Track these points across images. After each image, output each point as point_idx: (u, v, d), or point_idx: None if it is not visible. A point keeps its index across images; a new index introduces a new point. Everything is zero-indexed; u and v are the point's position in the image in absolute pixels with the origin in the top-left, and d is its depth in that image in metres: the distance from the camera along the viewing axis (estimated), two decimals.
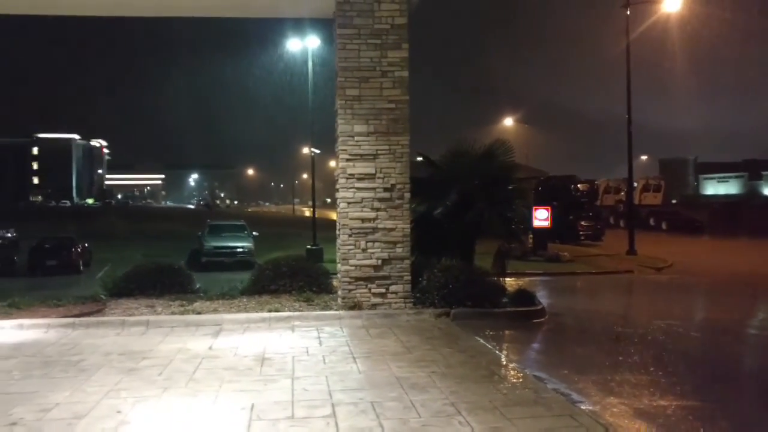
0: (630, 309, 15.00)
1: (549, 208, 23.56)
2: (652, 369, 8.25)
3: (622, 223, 40.45)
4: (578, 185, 35.11)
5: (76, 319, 10.52)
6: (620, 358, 8.99)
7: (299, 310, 11.14)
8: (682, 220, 42.72)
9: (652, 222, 43.62)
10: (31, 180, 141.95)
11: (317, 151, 30.71)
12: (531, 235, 23.20)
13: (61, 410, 6.07)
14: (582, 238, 31.91)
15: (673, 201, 52.92)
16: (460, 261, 12.11)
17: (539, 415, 5.93)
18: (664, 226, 42.90)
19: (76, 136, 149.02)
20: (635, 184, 40.49)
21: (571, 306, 14.26)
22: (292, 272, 12.99)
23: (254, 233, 25.63)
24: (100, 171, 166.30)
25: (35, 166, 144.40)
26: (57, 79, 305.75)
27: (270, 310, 11.02)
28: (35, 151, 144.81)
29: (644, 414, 6.27)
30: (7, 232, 24.29)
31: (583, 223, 32.36)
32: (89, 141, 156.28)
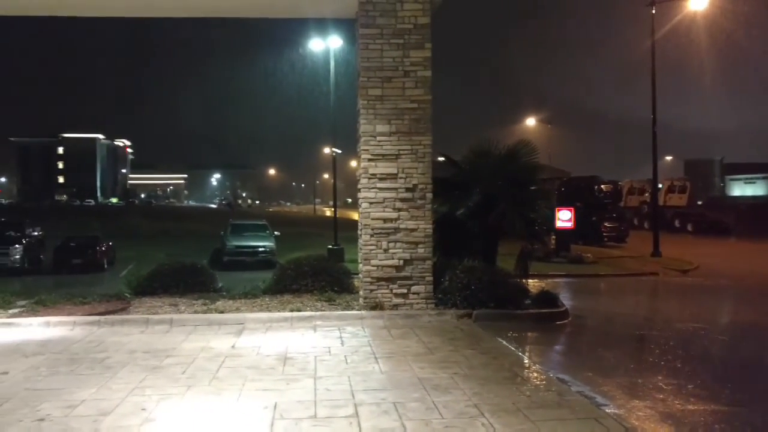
0: (655, 311, 14.80)
1: (572, 209, 23.34)
2: (678, 372, 8.14)
3: (646, 225, 39.93)
4: (602, 186, 34.72)
5: (102, 317, 10.65)
6: (645, 360, 8.88)
7: (321, 310, 11.16)
8: (708, 222, 42.07)
9: (677, 223, 43.02)
10: (57, 179, 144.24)
11: (339, 151, 30.75)
12: (554, 237, 23.03)
13: (87, 407, 6.14)
14: (605, 239, 31.58)
15: (699, 202, 52.12)
16: (482, 262, 12.04)
17: (563, 417, 5.87)
18: (689, 227, 42.28)
19: (101, 136, 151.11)
20: (660, 185, 39.91)
21: (594, 308, 14.11)
22: (313, 272, 13.03)
23: (276, 233, 25.73)
24: (123, 170, 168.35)
25: (60, 165, 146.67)
26: (82, 79, 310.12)
27: (292, 310, 11.06)
28: (60, 150, 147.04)
29: (671, 418, 6.17)
30: (34, 231, 24.56)
31: (606, 224, 32.02)
32: (113, 140, 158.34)
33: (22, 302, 11.98)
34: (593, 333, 11.37)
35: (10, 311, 11.24)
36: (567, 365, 8.50)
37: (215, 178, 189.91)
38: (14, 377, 7.30)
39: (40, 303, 11.69)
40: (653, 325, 12.28)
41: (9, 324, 10.33)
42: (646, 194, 46.27)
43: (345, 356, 8.28)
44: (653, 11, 25.88)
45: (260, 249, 23.15)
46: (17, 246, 21.51)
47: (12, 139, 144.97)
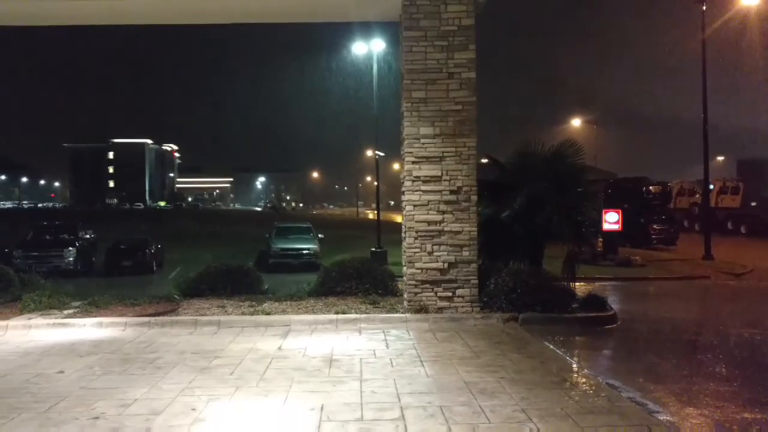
0: (707, 316, 14.38)
1: (620, 211, 22.86)
2: (732, 379, 7.88)
3: (697, 227, 38.84)
4: (650, 187, 33.95)
5: (152, 318, 10.89)
6: (698, 366, 8.62)
7: (365, 313, 11.19)
8: (762, 224, 40.61)
9: (729, 225, 41.72)
10: (107, 183, 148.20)
11: (381, 154, 30.85)
12: (600, 239, 22.62)
13: (139, 406, 6.29)
14: (654, 242, 30.82)
15: (753, 204, 50.45)
16: (528, 265, 11.91)
17: (614, 424, 5.75)
18: (743, 229, 40.95)
19: (149, 141, 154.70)
20: (711, 186, 38.79)
21: (643, 312, 13.78)
22: (358, 274, 13.09)
23: (320, 235, 25.92)
24: (171, 174, 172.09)
25: (111, 170, 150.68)
26: (130, 85, 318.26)
27: (337, 312, 11.11)
28: (111, 155, 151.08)
29: (726, 426, 5.98)
30: (86, 234, 25.26)
31: (655, 226, 31.26)
32: (161, 145, 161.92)
33: (76, 303, 12.35)
34: (643, 338, 11.10)
35: (65, 312, 11.60)
36: (617, 370, 8.31)
37: (260, 182, 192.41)
38: (70, 376, 7.52)
39: (93, 304, 12.02)
40: (706, 330, 11.93)
41: (64, 324, 10.65)
42: (697, 195, 44.99)
43: (390, 359, 8.28)
44: (703, 7, 25.20)
45: (305, 251, 23.34)
46: (71, 248, 22.18)
47: (65, 145, 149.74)
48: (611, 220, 22.52)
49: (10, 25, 13.33)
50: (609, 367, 8.84)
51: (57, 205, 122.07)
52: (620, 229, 22.72)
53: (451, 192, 11.29)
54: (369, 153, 69.92)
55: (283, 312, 11.34)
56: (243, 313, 11.25)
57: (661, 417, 6.12)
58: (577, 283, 13.39)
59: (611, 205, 24.40)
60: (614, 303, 13.29)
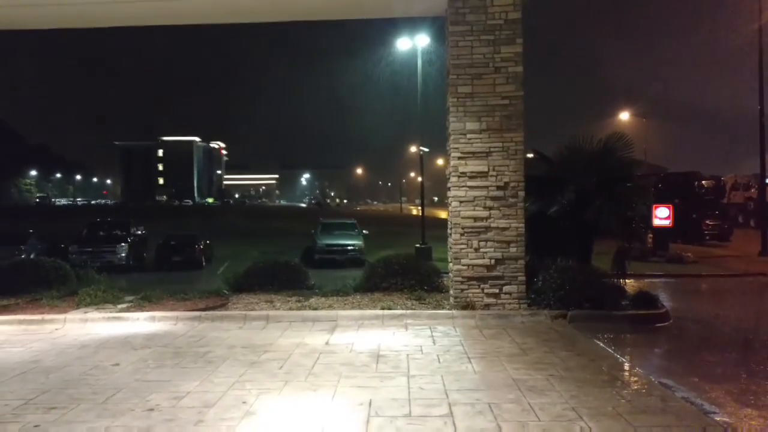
0: (763, 314, 13.93)
1: (671, 206, 22.33)
2: None
3: (752, 223, 37.66)
4: (703, 182, 33.05)
5: (202, 313, 11.11)
6: (756, 366, 8.34)
7: (411, 309, 11.19)
8: None
9: None
10: (157, 181, 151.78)
11: (426, 150, 30.73)
12: (651, 235, 22.12)
13: (192, 399, 6.43)
14: (707, 238, 30.02)
15: None
16: (576, 261, 11.72)
17: (668, 424, 5.62)
18: None
19: (197, 139, 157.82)
20: None
21: (696, 310, 13.42)
22: (403, 270, 13.10)
23: (364, 231, 26.01)
24: (218, 171, 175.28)
25: (160, 167, 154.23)
26: (179, 84, 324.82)
27: (383, 308, 11.15)
28: (160, 153, 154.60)
29: None
30: (138, 230, 25.90)
31: (708, 222, 30.44)
32: (209, 143, 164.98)
33: (129, 297, 12.70)
34: (697, 336, 10.81)
35: (119, 306, 11.94)
36: (669, 369, 8.11)
37: (305, 178, 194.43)
38: (125, 369, 7.74)
39: (145, 299, 12.34)
40: (763, 328, 11.57)
41: (119, 318, 10.96)
42: (753, 190, 43.55)
43: (437, 355, 8.27)
44: None
45: (350, 247, 23.46)
46: (123, 244, 22.77)
47: (117, 143, 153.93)
48: (662, 216, 22.03)
49: (64, 27, 13.74)
50: (661, 366, 8.64)
51: (109, 202, 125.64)
52: (671, 224, 22.21)
53: (498, 188, 11.19)
54: (413, 149, 69.85)
55: (330, 307, 11.43)
56: (291, 308, 11.38)
57: (718, 418, 5.95)
58: (626, 280, 13.12)
59: (662, 200, 23.81)
60: (666, 300, 12.99)
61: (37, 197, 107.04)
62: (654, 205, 22.02)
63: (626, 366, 8.05)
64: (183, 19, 13.48)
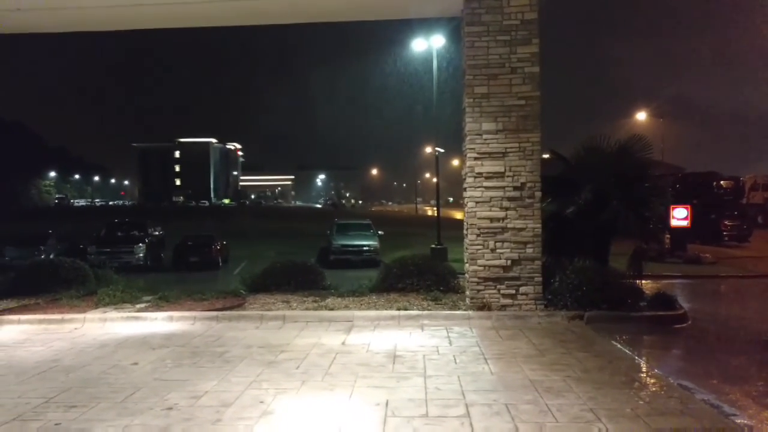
0: None
1: (688, 206, 22.14)
2: None
3: None
4: (721, 182, 32.72)
5: (219, 313, 11.18)
6: None
7: (427, 309, 11.19)
8: None
9: None
10: (174, 182, 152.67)
11: (441, 150, 30.66)
12: (668, 236, 21.93)
13: (210, 398, 6.48)
14: (726, 238, 29.72)
15: None
16: (593, 262, 11.64)
17: (687, 426, 5.58)
18: None
19: (213, 140, 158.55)
20: None
21: (715, 311, 13.30)
22: (419, 271, 13.10)
23: (380, 232, 26.03)
24: (235, 172, 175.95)
25: (177, 168, 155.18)
26: (196, 86, 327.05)
27: (399, 308, 11.15)
28: (177, 154, 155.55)
29: None
30: (155, 231, 26.11)
31: (726, 222, 30.13)
32: (225, 144, 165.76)
33: (147, 297, 12.82)
34: (716, 338, 10.69)
35: (137, 306, 12.05)
36: (688, 371, 8.04)
37: (320, 179, 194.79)
38: (144, 368, 7.81)
39: (163, 299, 12.45)
40: None
41: (137, 318, 11.06)
42: None
43: (454, 356, 8.26)
44: None
45: (365, 248, 23.49)
46: (141, 245, 23.00)
47: (134, 144, 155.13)
48: (679, 216, 21.85)
49: (80, 30, 13.89)
50: (680, 368, 8.57)
51: (127, 203, 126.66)
52: (689, 225, 22.02)
53: (515, 188, 11.15)
54: (428, 150, 69.80)
55: (346, 308, 11.46)
56: (307, 309, 11.42)
57: (738, 420, 5.89)
58: (644, 281, 13.03)
59: (680, 201, 23.62)
60: (684, 301, 12.86)
61: (57, 198, 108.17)
62: (671, 206, 21.85)
63: (644, 367, 7.99)
64: (202, 21, 13.55)
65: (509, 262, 11.15)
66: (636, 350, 8.90)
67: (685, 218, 21.84)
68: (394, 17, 13.72)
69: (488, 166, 11.20)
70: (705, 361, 8.73)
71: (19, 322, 11.01)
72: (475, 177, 11.25)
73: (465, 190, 11.45)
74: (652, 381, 7.26)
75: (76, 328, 10.57)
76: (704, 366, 8.34)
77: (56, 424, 5.77)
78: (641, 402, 6.24)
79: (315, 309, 11.37)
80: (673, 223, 21.66)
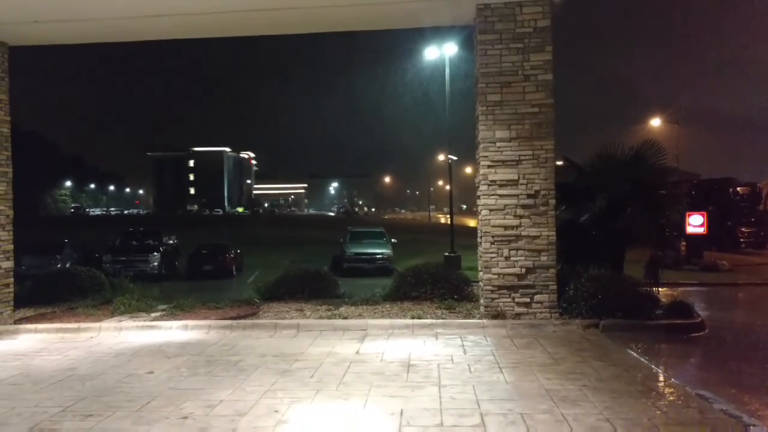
0: None
1: (704, 213, 21.99)
2: None
3: None
4: (738, 189, 32.47)
5: (234, 321, 11.21)
6: None
7: (441, 318, 11.15)
8: None
9: None
10: (188, 190, 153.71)
11: (454, 158, 30.68)
12: (684, 243, 21.76)
13: (224, 407, 6.48)
14: (743, 245, 29.46)
15: None
16: (608, 270, 11.57)
17: None
18: None
19: (227, 149, 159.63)
20: None
21: (733, 319, 13.16)
22: (433, 279, 13.06)
23: (393, 240, 26.03)
24: (248, 181, 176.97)
25: (191, 177, 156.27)
26: (209, 96, 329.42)
27: (413, 317, 11.13)
28: (191, 163, 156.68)
29: None
30: (170, 239, 26.27)
31: (743, 229, 29.90)
32: (239, 153, 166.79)
33: (162, 306, 12.89)
34: (734, 346, 10.58)
35: (153, 314, 12.11)
36: (707, 380, 7.95)
37: (333, 187, 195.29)
38: (159, 377, 7.84)
39: (178, 307, 12.51)
40: None
41: (152, 326, 11.12)
42: None
43: (468, 365, 8.22)
44: None
45: (378, 256, 23.51)
46: (156, 254, 23.15)
47: (149, 154, 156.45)
48: (695, 223, 21.70)
49: (97, 42, 14.02)
50: (698, 377, 8.46)
51: (142, 212, 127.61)
52: (705, 232, 21.88)
53: (529, 196, 11.11)
54: (440, 157, 69.74)
55: (360, 316, 11.44)
56: (321, 317, 11.43)
57: (758, 430, 5.81)
58: (660, 289, 12.93)
59: (695, 208, 23.45)
60: (701, 309, 12.73)
61: (72, 207, 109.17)
62: (687, 213, 21.69)
63: (661, 376, 7.91)
64: (218, 32, 13.63)
65: (524, 270, 11.09)
66: (653, 359, 8.81)
67: (701, 225, 21.70)
68: (407, 26, 13.73)
69: (502, 174, 11.18)
70: (723, 371, 8.62)
71: (36, 331, 11.10)
72: (489, 185, 11.22)
73: (478, 197, 11.43)
74: (670, 390, 7.18)
75: (92, 337, 10.64)
76: (722, 375, 8.23)
77: None
78: (658, 412, 6.17)
79: (329, 317, 11.37)
80: (689, 230, 21.52)
